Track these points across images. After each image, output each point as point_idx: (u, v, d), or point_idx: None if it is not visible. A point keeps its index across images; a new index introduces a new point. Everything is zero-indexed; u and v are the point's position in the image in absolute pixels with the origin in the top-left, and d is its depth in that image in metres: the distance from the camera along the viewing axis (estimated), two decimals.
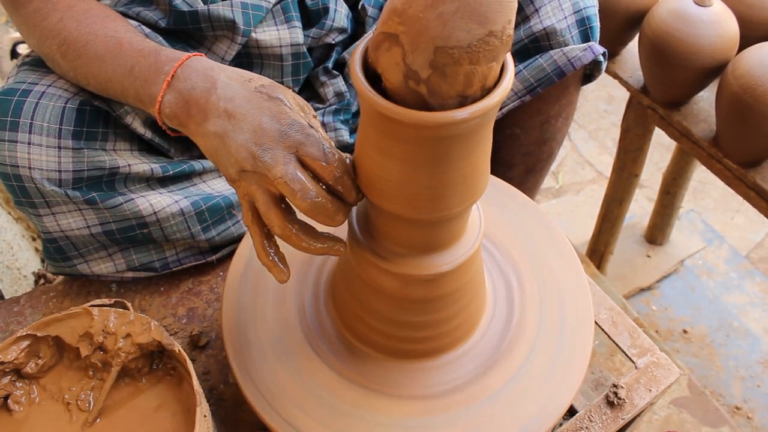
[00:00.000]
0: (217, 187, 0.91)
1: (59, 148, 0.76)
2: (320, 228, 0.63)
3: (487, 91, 0.51)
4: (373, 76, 0.53)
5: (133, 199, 0.81)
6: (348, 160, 0.61)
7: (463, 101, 0.50)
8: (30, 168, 0.75)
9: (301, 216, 0.62)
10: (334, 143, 1.00)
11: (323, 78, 0.97)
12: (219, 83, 0.64)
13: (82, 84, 0.77)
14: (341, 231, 0.80)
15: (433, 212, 0.57)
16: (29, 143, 0.74)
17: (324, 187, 0.60)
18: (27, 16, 0.77)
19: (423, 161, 0.53)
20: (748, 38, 1.11)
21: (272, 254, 0.63)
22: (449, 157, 0.53)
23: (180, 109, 0.65)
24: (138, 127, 0.83)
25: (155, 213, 0.83)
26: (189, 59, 0.67)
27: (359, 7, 0.97)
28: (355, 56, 0.53)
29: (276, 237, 0.63)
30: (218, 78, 0.64)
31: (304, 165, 0.59)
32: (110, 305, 0.71)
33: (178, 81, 0.66)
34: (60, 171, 0.77)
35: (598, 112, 2.27)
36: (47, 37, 0.76)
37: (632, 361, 0.80)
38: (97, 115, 0.79)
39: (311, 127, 0.61)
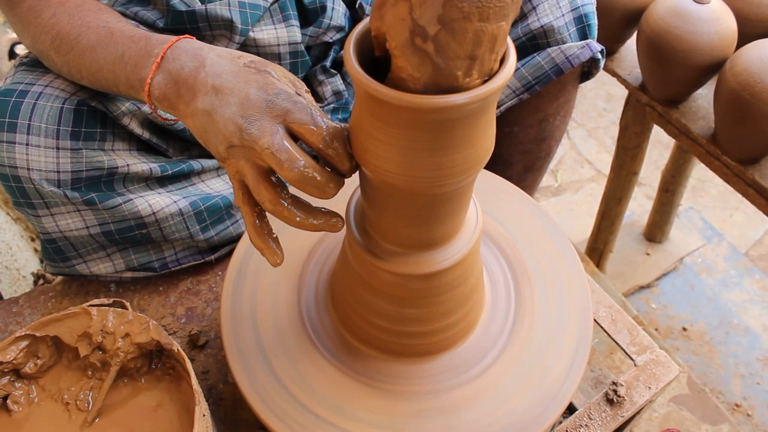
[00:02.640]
0: (216, 187, 0.91)
1: (57, 148, 0.76)
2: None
3: (487, 77, 0.50)
4: (371, 66, 0.52)
5: (131, 199, 0.81)
6: (338, 125, 0.59)
7: (471, 65, 0.48)
8: (29, 169, 0.75)
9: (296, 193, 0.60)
10: None
11: (321, 77, 0.97)
12: (208, 61, 0.63)
13: (76, 78, 0.76)
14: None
15: (432, 187, 0.55)
16: (27, 144, 0.74)
17: (316, 158, 0.58)
18: (21, 15, 0.77)
19: (421, 147, 0.52)
20: (746, 35, 1.11)
21: (265, 234, 0.61)
22: (451, 143, 0.52)
23: (169, 89, 0.64)
24: (135, 127, 0.83)
25: (154, 213, 0.83)
26: (179, 41, 0.66)
27: (357, 6, 0.97)
28: (350, 40, 0.52)
29: (269, 216, 0.61)
30: (207, 56, 0.63)
31: (293, 135, 0.58)
32: (109, 305, 0.71)
33: (167, 62, 0.65)
34: (58, 171, 0.76)
35: (597, 110, 2.27)
36: (41, 33, 0.75)
37: (631, 359, 0.80)
38: (94, 115, 0.79)
39: (299, 95, 0.59)
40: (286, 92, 0.59)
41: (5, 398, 0.66)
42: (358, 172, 0.60)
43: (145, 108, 0.82)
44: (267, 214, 0.62)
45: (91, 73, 0.73)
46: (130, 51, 0.68)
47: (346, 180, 0.59)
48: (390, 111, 0.50)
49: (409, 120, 0.50)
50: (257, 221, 0.61)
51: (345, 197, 0.67)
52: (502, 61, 0.51)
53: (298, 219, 0.58)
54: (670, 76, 1.14)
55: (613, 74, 1.32)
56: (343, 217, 0.63)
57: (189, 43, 0.66)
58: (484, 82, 0.50)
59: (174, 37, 0.67)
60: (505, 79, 0.50)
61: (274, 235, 0.62)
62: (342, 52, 0.99)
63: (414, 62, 0.48)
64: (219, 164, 0.62)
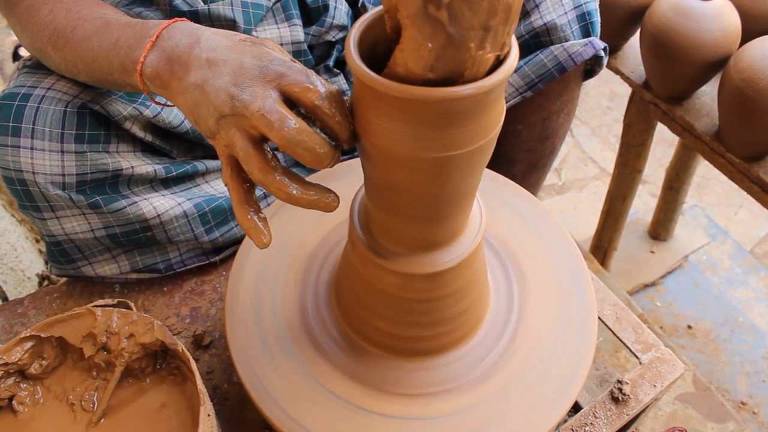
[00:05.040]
0: (220, 188, 0.92)
1: (62, 152, 0.76)
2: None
3: (499, 52, 0.49)
4: (373, 66, 0.51)
5: (136, 202, 0.81)
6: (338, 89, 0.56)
7: (484, 37, 0.47)
8: (34, 173, 0.75)
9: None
10: None
11: (324, 76, 0.97)
12: (203, 38, 0.61)
13: (73, 73, 0.75)
14: (343, 230, 0.80)
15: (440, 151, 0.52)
16: (32, 148, 0.74)
17: (313, 126, 0.56)
18: (20, 16, 0.76)
19: (425, 146, 0.51)
20: (750, 32, 1.11)
21: (251, 213, 0.58)
22: (456, 140, 0.51)
23: (162, 67, 0.61)
24: (137, 131, 0.83)
25: (159, 216, 0.83)
26: (175, 22, 0.65)
27: (359, 5, 0.97)
28: (352, 32, 0.52)
29: (258, 191, 0.59)
30: (203, 34, 0.62)
31: (290, 103, 0.55)
32: (113, 305, 0.71)
33: (162, 40, 0.63)
34: (63, 175, 0.77)
35: (601, 108, 2.27)
36: (38, 31, 0.74)
37: (636, 357, 0.79)
38: (97, 117, 0.79)
39: (294, 62, 0.57)
40: (281, 59, 0.57)
41: (11, 399, 0.67)
42: (362, 169, 0.59)
43: (147, 112, 0.82)
44: (256, 193, 0.60)
45: (87, 64, 0.71)
46: (125, 36, 0.66)
47: (347, 183, 0.58)
48: (389, 103, 0.49)
49: (409, 113, 0.49)
50: (245, 198, 0.58)
51: (348, 198, 0.67)
52: (504, 57, 0.51)
53: (288, 190, 0.55)
54: (674, 74, 1.14)
55: (617, 72, 1.32)
56: (341, 209, 0.61)
57: (185, 24, 0.64)
58: (497, 57, 0.49)
59: (170, 20, 0.65)
60: (508, 71, 0.49)
61: (263, 215, 0.59)
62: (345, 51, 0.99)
63: (426, 32, 0.46)
64: (209, 142, 0.59)
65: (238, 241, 0.93)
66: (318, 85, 0.55)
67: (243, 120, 0.55)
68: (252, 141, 0.55)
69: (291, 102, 0.56)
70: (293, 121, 0.53)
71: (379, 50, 0.53)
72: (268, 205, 0.93)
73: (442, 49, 0.46)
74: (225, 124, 0.56)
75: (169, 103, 0.66)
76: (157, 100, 0.69)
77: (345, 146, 0.56)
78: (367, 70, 0.49)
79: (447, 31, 0.46)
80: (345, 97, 0.57)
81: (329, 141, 0.55)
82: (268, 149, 0.57)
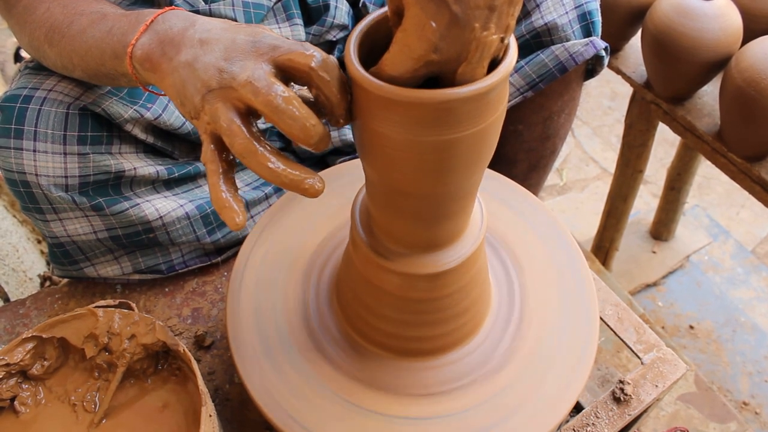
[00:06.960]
0: None
1: (65, 154, 0.76)
2: None
3: (504, 35, 0.48)
4: (369, 64, 0.51)
5: (138, 204, 0.81)
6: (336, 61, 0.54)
7: (489, 17, 0.46)
8: (37, 175, 0.75)
9: None
10: (337, 142, 1.00)
11: None
12: (198, 21, 0.59)
13: (68, 69, 0.73)
14: (344, 230, 0.80)
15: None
16: (35, 150, 0.74)
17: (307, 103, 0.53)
18: (18, 16, 0.76)
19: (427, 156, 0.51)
20: (751, 31, 1.11)
21: (226, 193, 0.55)
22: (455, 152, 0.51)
23: (154, 48, 0.59)
24: (139, 133, 0.83)
25: (161, 218, 0.83)
26: (172, 9, 0.63)
27: (360, 5, 0.97)
28: (353, 35, 0.51)
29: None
30: (198, 19, 0.60)
31: (282, 76, 0.54)
32: (115, 306, 0.71)
33: (156, 24, 0.61)
34: (66, 177, 0.77)
35: (602, 108, 2.27)
36: (35, 29, 0.73)
37: (638, 357, 0.79)
38: (100, 119, 0.79)
39: (289, 39, 0.56)
40: (275, 35, 0.55)
41: (13, 399, 0.67)
42: (362, 168, 0.59)
43: (148, 115, 0.81)
44: (235, 175, 0.57)
45: (81, 57, 0.69)
46: (119, 24, 0.65)
47: (347, 183, 0.57)
48: (386, 105, 0.49)
49: (407, 115, 0.49)
50: (222, 177, 0.55)
51: (349, 198, 0.67)
52: (503, 54, 0.50)
53: (270, 164, 0.52)
54: (675, 73, 1.14)
55: (618, 72, 1.32)
56: (343, 209, 0.62)
57: (182, 11, 0.63)
58: (501, 40, 0.48)
59: (168, 7, 0.64)
60: (507, 70, 0.49)
61: (239, 198, 0.56)
62: None
63: (430, 10, 0.45)
64: (192, 123, 0.57)
65: (239, 242, 0.94)
66: (313, 52, 0.53)
67: (230, 92, 0.53)
68: (237, 113, 0.53)
69: (286, 79, 0.54)
70: (281, 87, 0.51)
71: (376, 52, 0.53)
72: (269, 206, 0.93)
73: (447, 29, 0.45)
74: (210, 98, 0.54)
75: (160, 91, 0.65)
76: (148, 89, 0.67)
77: (341, 122, 0.54)
78: (364, 72, 0.49)
79: (451, 10, 0.45)
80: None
81: (320, 117, 0.53)
82: (255, 124, 0.55)
